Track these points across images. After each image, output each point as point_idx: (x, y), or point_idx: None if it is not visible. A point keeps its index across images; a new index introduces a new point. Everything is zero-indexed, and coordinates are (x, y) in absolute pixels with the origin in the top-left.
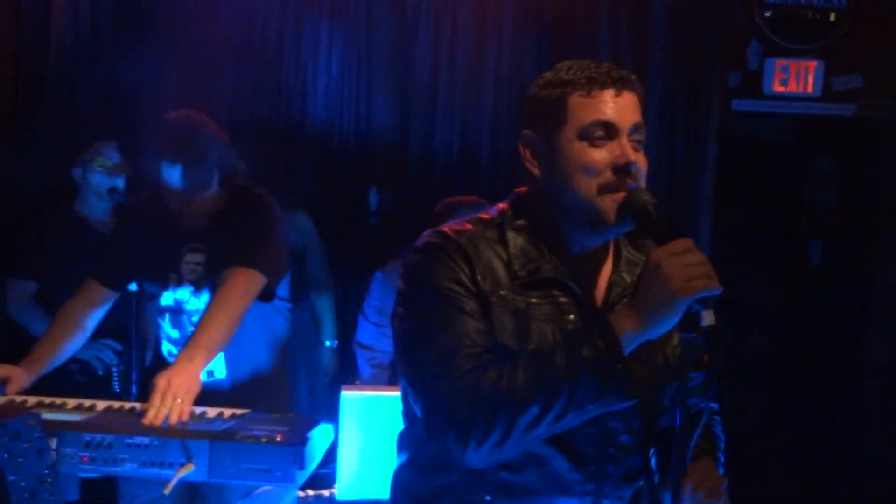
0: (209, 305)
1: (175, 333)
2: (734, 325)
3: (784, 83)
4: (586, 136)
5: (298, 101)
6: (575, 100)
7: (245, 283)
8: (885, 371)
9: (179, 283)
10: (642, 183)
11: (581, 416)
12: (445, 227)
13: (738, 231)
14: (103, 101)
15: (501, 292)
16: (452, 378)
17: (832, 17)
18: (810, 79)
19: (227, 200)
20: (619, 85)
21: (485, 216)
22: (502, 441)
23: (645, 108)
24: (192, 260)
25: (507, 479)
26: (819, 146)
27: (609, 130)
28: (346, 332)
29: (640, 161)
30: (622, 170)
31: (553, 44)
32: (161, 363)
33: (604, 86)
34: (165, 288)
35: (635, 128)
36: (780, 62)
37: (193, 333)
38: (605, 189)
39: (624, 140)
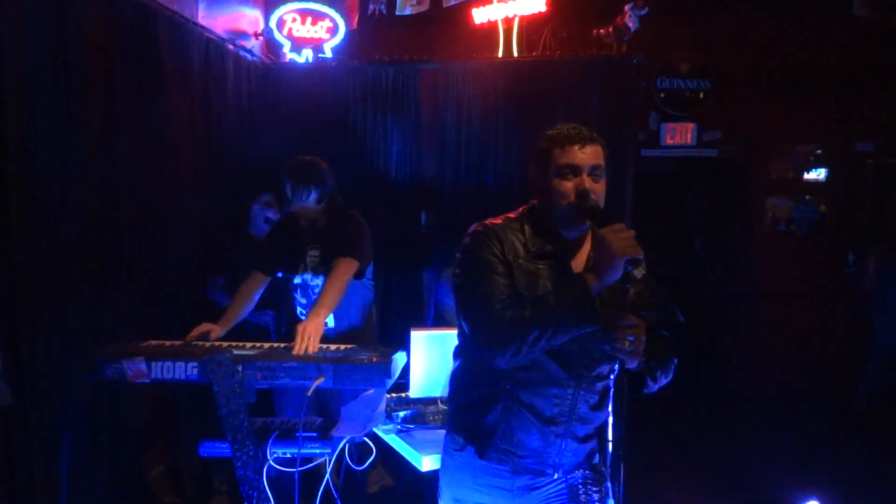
0: (326, 281)
1: (303, 300)
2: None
3: (672, 138)
4: (560, 174)
5: (375, 160)
6: (555, 151)
7: (346, 267)
8: (738, 303)
9: (305, 269)
10: (601, 199)
11: (566, 336)
12: (486, 221)
13: (649, 230)
14: (258, 163)
15: (520, 261)
16: (488, 313)
17: (701, 95)
18: (688, 134)
19: (331, 218)
20: (583, 141)
21: (511, 215)
22: (517, 352)
23: (606, 154)
24: (312, 255)
25: (520, 375)
26: (695, 176)
27: (574, 170)
28: (409, 298)
29: (595, 187)
30: (582, 193)
31: (530, 116)
32: (295, 319)
33: (573, 142)
34: (296, 273)
35: (593, 167)
36: (670, 125)
37: (317, 299)
38: (570, 206)
39: (584, 176)
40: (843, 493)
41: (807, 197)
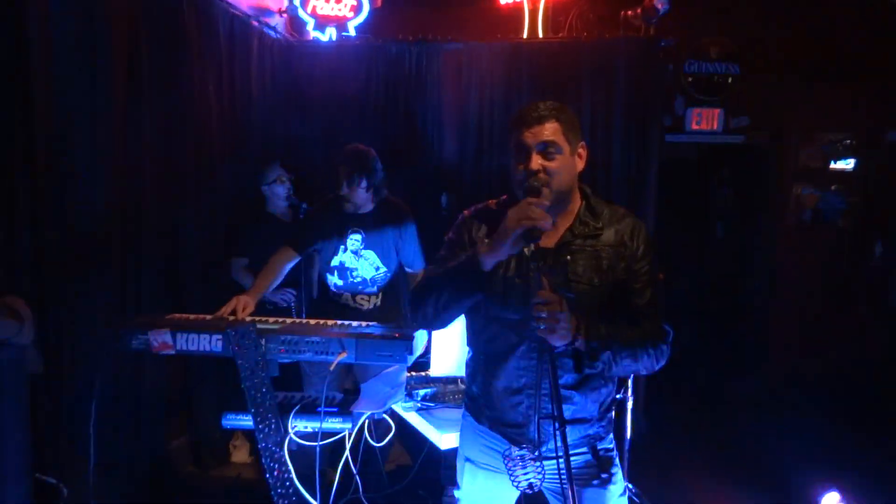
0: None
1: (340, 282)
2: (671, 273)
3: (699, 123)
4: (513, 154)
5: (396, 139)
6: (511, 134)
7: None
8: (760, 293)
9: (345, 251)
10: (557, 175)
11: (457, 300)
12: (479, 204)
13: (672, 216)
14: (281, 141)
15: (486, 240)
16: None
17: (729, 80)
18: (715, 120)
19: (377, 204)
20: (531, 122)
21: (504, 197)
22: (424, 314)
23: (578, 129)
24: (354, 238)
25: (489, 346)
26: (721, 162)
27: (523, 150)
28: None
29: (547, 165)
30: (531, 173)
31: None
32: (326, 299)
33: (521, 124)
34: (336, 254)
35: (544, 145)
36: (696, 110)
37: None
38: (522, 184)
39: (532, 155)
40: (865, 485)
41: (833, 187)
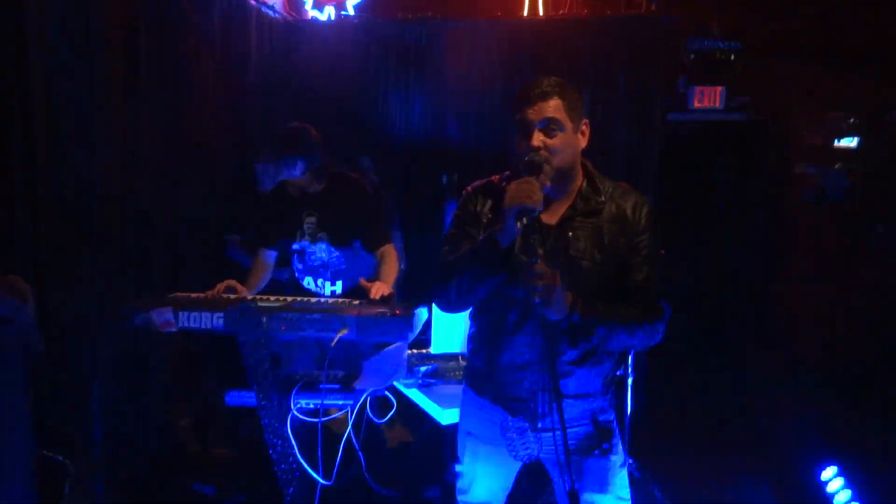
0: (381, 273)
1: (300, 265)
2: (671, 248)
3: (700, 101)
4: (516, 131)
5: (397, 119)
6: (514, 111)
7: (390, 255)
8: (762, 272)
9: (303, 236)
10: (559, 152)
11: (482, 283)
12: (481, 180)
13: (674, 193)
14: (279, 122)
15: (490, 216)
16: (436, 263)
17: (731, 57)
18: (717, 98)
19: (326, 183)
20: (533, 98)
21: (507, 172)
22: (449, 298)
23: (582, 106)
24: (309, 222)
25: (495, 322)
26: (723, 140)
27: (526, 126)
28: (430, 259)
29: (548, 142)
30: (531, 149)
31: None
32: (295, 283)
33: (525, 100)
34: (294, 239)
35: (545, 122)
36: (698, 88)
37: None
38: (522, 162)
39: (533, 131)
40: (865, 461)
41: (836, 165)
